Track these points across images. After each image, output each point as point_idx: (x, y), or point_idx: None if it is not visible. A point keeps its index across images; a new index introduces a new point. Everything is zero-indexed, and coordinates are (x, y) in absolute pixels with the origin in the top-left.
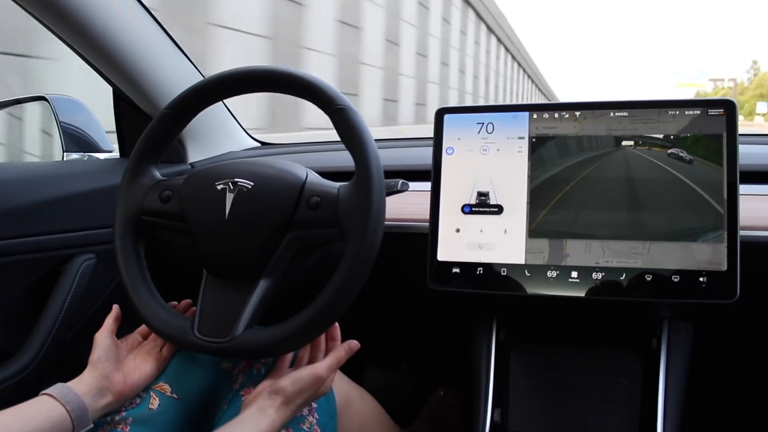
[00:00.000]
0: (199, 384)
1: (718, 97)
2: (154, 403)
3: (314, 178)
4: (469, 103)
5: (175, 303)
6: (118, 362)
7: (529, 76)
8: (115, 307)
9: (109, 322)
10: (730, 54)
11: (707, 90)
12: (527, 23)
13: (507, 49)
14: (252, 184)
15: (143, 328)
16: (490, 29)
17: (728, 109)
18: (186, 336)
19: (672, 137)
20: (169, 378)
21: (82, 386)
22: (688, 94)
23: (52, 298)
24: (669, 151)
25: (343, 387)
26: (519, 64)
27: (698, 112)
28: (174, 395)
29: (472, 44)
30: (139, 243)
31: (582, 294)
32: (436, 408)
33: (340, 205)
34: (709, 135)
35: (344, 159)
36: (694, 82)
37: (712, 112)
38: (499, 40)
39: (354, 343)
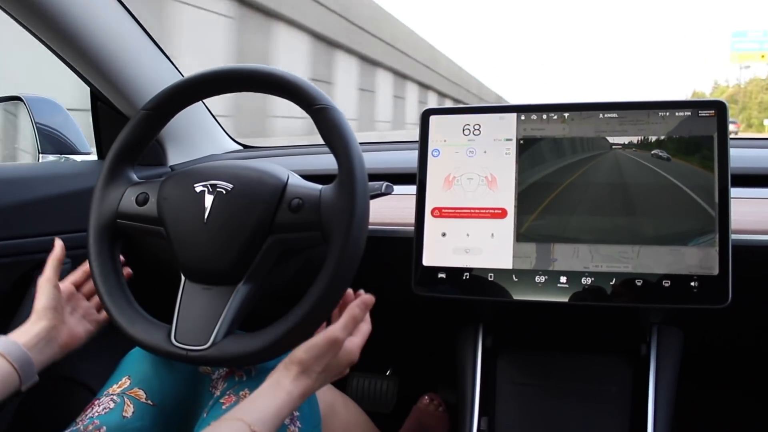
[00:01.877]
0: (175, 389)
1: (709, 98)
2: (128, 410)
3: (296, 180)
4: None
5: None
6: (63, 312)
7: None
8: (58, 244)
9: (53, 264)
10: None
11: None
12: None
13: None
14: (231, 186)
15: (76, 276)
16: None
17: (719, 110)
18: (164, 344)
19: (660, 139)
20: (144, 383)
21: (27, 338)
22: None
23: (24, 305)
24: (651, 152)
25: (326, 395)
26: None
27: (688, 113)
28: (149, 401)
29: None
30: (115, 248)
31: (571, 300)
32: (421, 416)
33: (323, 207)
34: (700, 137)
35: (329, 162)
36: None
37: (703, 113)
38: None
39: (368, 297)
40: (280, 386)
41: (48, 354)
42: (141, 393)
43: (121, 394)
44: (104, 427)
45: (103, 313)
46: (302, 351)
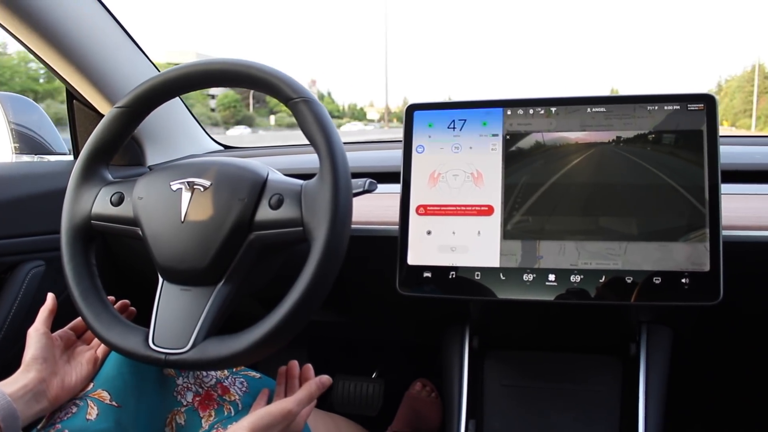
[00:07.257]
0: (140, 389)
1: (697, 91)
2: (92, 412)
3: (276, 175)
4: None
5: (113, 298)
6: (55, 363)
7: None
8: (50, 297)
9: (44, 315)
10: None
11: None
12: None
13: None
14: (209, 182)
15: (76, 323)
16: None
17: (708, 103)
18: (142, 349)
19: (647, 133)
20: (108, 384)
21: (15, 389)
22: None
23: None
24: (647, 148)
25: (318, 426)
26: None
27: (677, 107)
28: (114, 403)
29: None
30: (90, 250)
31: (561, 298)
32: (414, 403)
33: (304, 202)
34: (688, 131)
35: (311, 161)
36: None
37: (692, 107)
38: None
39: (326, 378)
40: None
41: (36, 408)
42: (105, 395)
43: (84, 397)
44: (66, 430)
45: (101, 350)
46: (257, 417)
